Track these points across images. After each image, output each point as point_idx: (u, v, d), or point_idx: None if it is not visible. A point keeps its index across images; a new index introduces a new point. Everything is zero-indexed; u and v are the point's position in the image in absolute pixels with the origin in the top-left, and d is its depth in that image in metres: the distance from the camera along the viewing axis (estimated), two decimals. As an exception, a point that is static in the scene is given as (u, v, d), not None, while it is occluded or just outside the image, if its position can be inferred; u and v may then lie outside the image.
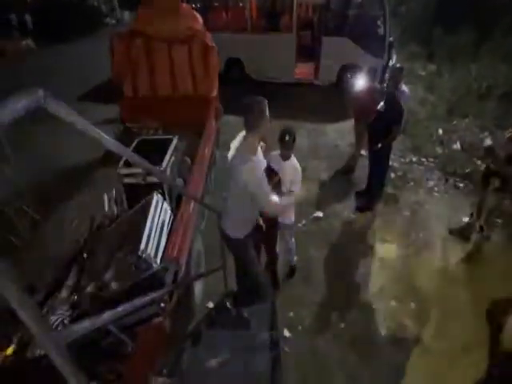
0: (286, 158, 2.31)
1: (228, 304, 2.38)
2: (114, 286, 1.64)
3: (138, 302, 1.15)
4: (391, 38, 6.17)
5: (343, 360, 2.37)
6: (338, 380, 2.27)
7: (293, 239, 2.83)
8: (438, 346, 2.46)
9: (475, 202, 3.31)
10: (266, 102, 1.72)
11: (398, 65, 3.95)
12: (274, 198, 1.81)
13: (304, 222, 3.56)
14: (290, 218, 2.62)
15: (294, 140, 2.22)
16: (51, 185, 3.40)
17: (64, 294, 1.77)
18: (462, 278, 2.97)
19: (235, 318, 2.25)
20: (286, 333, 2.53)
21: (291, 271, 2.99)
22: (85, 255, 1.93)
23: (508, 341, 2.45)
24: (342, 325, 2.60)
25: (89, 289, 1.67)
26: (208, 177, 3.13)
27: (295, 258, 2.97)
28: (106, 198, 2.22)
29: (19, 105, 0.54)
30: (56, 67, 8.21)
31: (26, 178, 3.26)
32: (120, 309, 0.99)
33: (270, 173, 2.12)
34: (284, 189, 2.26)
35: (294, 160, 2.35)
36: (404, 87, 3.61)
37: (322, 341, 2.49)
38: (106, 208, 2.20)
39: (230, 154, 1.98)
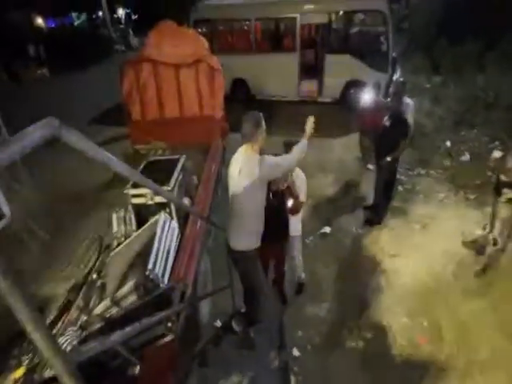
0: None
1: (235, 324, 2.36)
2: (122, 306, 1.66)
3: (146, 322, 1.17)
4: (394, 54, 6.29)
5: (354, 380, 2.29)
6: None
7: (300, 256, 2.82)
8: (452, 364, 2.34)
9: (488, 214, 3.23)
10: (262, 114, 1.88)
11: (400, 79, 4.00)
12: (288, 156, 1.98)
13: (311, 237, 3.54)
14: (298, 230, 2.65)
15: None
16: (62, 206, 3.50)
17: (74, 314, 1.80)
18: (477, 294, 2.85)
19: (242, 338, 2.23)
20: (296, 352, 2.47)
21: (299, 288, 2.95)
22: (94, 276, 1.98)
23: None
24: (353, 343, 2.52)
25: (98, 310, 1.70)
26: (215, 194, 3.20)
27: (303, 275, 2.94)
28: (114, 218, 2.30)
29: (36, 135, 0.57)
30: (68, 93, 8.77)
31: (39, 200, 3.40)
32: (128, 329, 1.01)
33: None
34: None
35: (298, 170, 2.47)
36: (408, 100, 3.65)
37: (332, 360, 2.42)
38: (115, 228, 2.26)
39: (233, 167, 2.00)
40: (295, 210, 2.45)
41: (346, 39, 6.87)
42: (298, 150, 1.98)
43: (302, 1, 6.58)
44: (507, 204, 2.93)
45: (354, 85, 6.26)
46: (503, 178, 2.95)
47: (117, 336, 0.93)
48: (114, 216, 2.31)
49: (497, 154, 2.89)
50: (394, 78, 6.36)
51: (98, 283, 1.94)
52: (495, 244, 3.05)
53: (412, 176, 4.50)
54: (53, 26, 19.12)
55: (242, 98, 7.11)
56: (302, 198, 2.44)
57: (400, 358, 2.41)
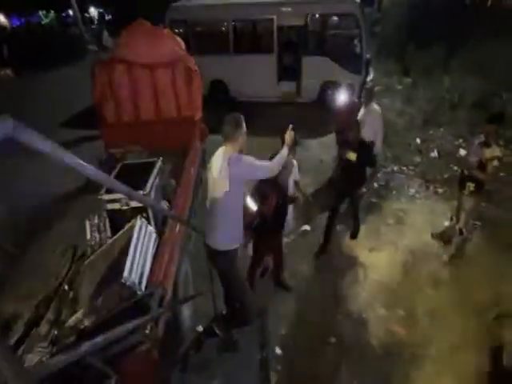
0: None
1: (216, 327, 2.34)
2: (97, 317, 1.60)
3: (119, 331, 1.12)
4: (368, 56, 6.54)
5: (336, 375, 2.36)
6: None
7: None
8: (426, 351, 2.49)
9: (454, 206, 3.45)
10: (242, 116, 1.92)
11: (368, 84, 4.02)
12: (267, 163, 2.01)
13: (292, 236, 3.61)
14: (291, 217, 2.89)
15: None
16: (32, 215, 3.32)
17: (44, 329, 1.70)
18: (446, 281, 3.05)
19: (224, 341, 2.23)
20: (278, 350, 2.51)
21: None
22: (66, 287, 1.89)
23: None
24: (333, 338, 2.60)
25: (70, 322, 1.62)
26: (194, 197, 3.17)
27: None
28: (88, 225, 2.21)
29: None
30: (36, 95, 8.29)
31: (7, 211, 3.18)
32: (99, 339, 0.97)
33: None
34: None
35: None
36: (375, 106, 3.68)
37: (314, 357, 2.48)
38: (88, 236, 2.18)
39: (212, 166, 2.02)
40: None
41: (322, 41, 7.07)
42: (277, 161, 2.01)
43: (278, 3, 6.68)
44: (470, 196, 3.13)
45: (331, 86, 6.45)
46: (466, 172, 3.17)
47: (85, 347, 0.87)
48: (88, 223, 2.22)
49: (462, 151, 3.08)
50: (368, 79, 6.63)
51: (71, 294, 1.86)
52: (461, 234, 3.26)
53: (386, 173, 4.71)
54: (18, 24, 18.11)
55: (220, 100, 7.10)
56: (297, 176, 2.86)
57: (378, 348, 2.52)
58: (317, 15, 6.93)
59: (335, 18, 7.50)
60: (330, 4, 6.60)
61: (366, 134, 3.26)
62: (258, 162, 1.95)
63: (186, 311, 2.41)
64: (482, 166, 2.96)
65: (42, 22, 20.52)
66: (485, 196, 3.32)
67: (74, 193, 2.97)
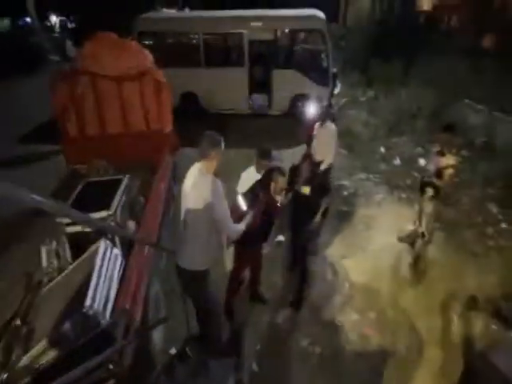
0: (261, 169, 2.67)
1: (189, 350, 2.26)
2: (54, 353, 1.46)
3: (79, 370, 1.05)
4: (335, 69, 6.90)
5: (313, 381, 2.37)
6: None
7: None
8: (396, 350, 2.59)
9: (417, 211, 3.69)
10: (221, 137, 1.94)
11: (325, 104, 3.92)
12: (235, 225, 1.98)
13: (268, 247, 3.61)
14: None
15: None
16: None
17: None
18: (412, 282, 3.23)
19: (198, 364, 2.15)
20: (255, 367, 2.46)
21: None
22: (18, 322, 1.70)
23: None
24: (309, 348, 2.61)
25: (23, 362, 1.46)
26: (165, 214, 3.07)
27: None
28: (44, 251, 2.03)
29: None
30: None
31: None
32: (58, 381, 0.90)
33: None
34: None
35: None
36: (330, 124, 3.70)
37: (292, 369, 2.46)
38: (44, 263, 2.00)
39: (186, 182, 2.00)
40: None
41: (291, 56, 7.35)
42: (236, 229, 2.02)
43: (248, 18, 6.88)
44: (430, 201, 3.37)
45: (301, 98, 6.68)
46: (426, 179, 3.42)
47: None
48: (44, 249, 2.04)
49: (422, 161, 3.33)
50: (335, 91, 6.97)
51: (24, 330, 1.66)
52: (423, 237, 3.48)
53: (354, 181, 4.93)
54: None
55: (192, 112, 7.07)
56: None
57: (352, 352, 2.58)
58: (286, 30, 7.24)
59: (303, 34, 7.89)
60: (297, 20, 6.94)
61: (320, 149, 3.29)
62: (225, 213, 1.92)
63: (157, 334, 2.28)
64: (439, 173, 3.21)
65: (-4, 30, 19.18)
66: (442, 200, 3.58)
67: (28, 213, 2.66)
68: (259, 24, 6.76)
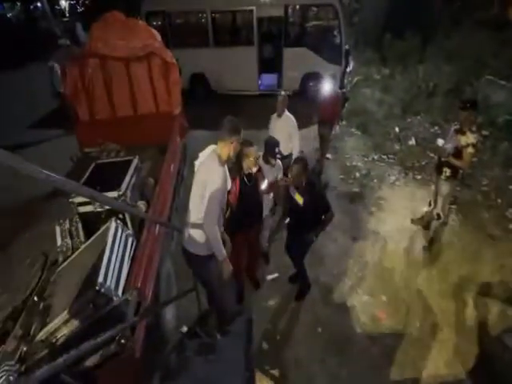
0: (267, 162, 2.71)
1: (199, 328, 2.31)
2: (69, 329, 1.52)
3: (92, 343, 1.08)
4: (347, 46, 6.58)
5: (323, 365, 2.39)
6: (319, 382, 2.29)
7: (267, 231, 3.09)
8: (409, 332, 2.58)
9: (432, 192, 3.58)
10: (239, 122, 1.90)
11: (282, 93, 3.37)
12: (217, 229, 1.85)
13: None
14: (268, 209, 2.85)
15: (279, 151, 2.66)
16: None
17: (10, 346, 1.60)
18: (426, 264, 3.17)
19: (208, 343, 2.18)
20: (265, 345, 2.53)
21: (266, 258, 3.23)
22: (35, 298, 1.79)
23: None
24: (319, 328, 2.64)
25: (40, 336, 1.53)
26: (175, 195, 3.09)
27: (266, 245, 3.21)
28: (58, 230, 2.09)
29: None
30: (4, 94, 7.81)
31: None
32: (71, 354, 0.93)
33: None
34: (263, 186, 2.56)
35: (278, 162, 2.76)
36: (288, 113, 3.37)
37: (301, 349, 2.50)
38: (59, 242, 2.05)
39: (198, 161, 2.00)
40: (270, 190, 2.64)
41: (302, 33, 7.04)
42: (214, 232, 1.85)
43: None
44: (447, 181, 3.25)
45: (312, 77, 6.46)
46: (443, 158, 3.28)
47: (57, 363, 0.85)
48: (58, 229, 2.10)
49: (440, 141, 3.17)
50: (348, 70, 6.68)
51: (41, 306, 1.75)
52: (439, 218, 3.39)
53: (367, 162, 4.81)
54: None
55: (201, 93, 6.97)
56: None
57: (363, 335, 2.58)
58: (296, 6, 6.90)
59: (314, 9, 7.50)
60: (309, -5, 6.58)
61: (279, 138, 2.91)
62: (214, 209, 1.82)
63: (168, 312, 2.35)
64: (458, 152, 3.06)
65: (8, 15, 19.25)
66: (460, 180, 3.45)
67: (42, 195, 2.75)
68: (269, 0, 6.46)
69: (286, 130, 3.32)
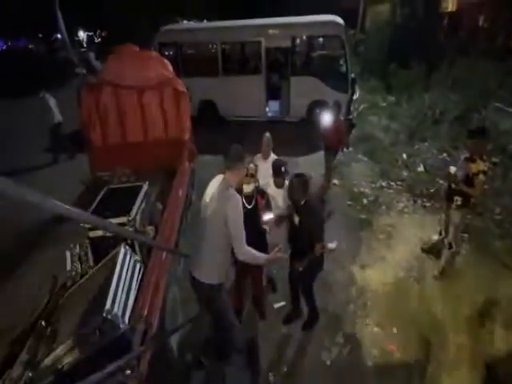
0: (279, 186, 2.68)
1: (204, 358, 2.23)
2: (75, 356, 1.49)
3: (97, 375, 1.05)
4: (353, 75, 6.80)
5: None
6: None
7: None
8: (421, 368, 2.43)
9: (442, 220, 3.49)
10: (243, 150, 1.95)
11: (266, 134, 3.22)
12: (249, 248, 1.89)
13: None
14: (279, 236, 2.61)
15: (286, 170, 2.63)
16: (8, 244, 3.07)
17: (16, 372, 1.56)
18: (437, 295, 3.03)
19: (213, 373, 2.11)
20: (271, 377, 2.40)
21: (272, 285, 3.13)
22: (43, 323, 1.76)
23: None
24: (328, 361, 2.51)
25: (46, 362, 1.51)
26: (183, 219, 3.10)
27: (274, 272, 3.11)
28: (68, 255, 2.11)
29: None
30: (19, 121, 8.17)
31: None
32: None
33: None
34: (276, 211, 2.51)
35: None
36: (273, 155, 3.18)
37: (309, 381, 2.38)
38: (69, 266, 2.07)
39: (207, 192, 2.01)
40: (281, 220, 2.53)
41: (309, 62, 7.33)
42: (251, 253, 1.90)
43: (265, 25, 6.96)
44: (458, 210, 3.17)
45: (319, 104, 6.62)
46: (454, 186, 3.23)
47: None
48: (68, 253, 2.12)
49: (452, 168, 3.14)
50: (354, 97, 6.85)
51: (48, 331, 1.72)
52: (450, 248, 3.27)
53: (374, 188, 4.77)
54: (3, 48, 18.16)
55: (210, 120, 7.19)
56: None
57: (374, 368, 2.45)
58: (303, 37, 7.25)
59: (321, 40, 7.86)
60: (315, 26, 6.91)
61: (267, 181, 2.80)
62: (242, 232, 1.85)
63: (174, 341, 2.29)
64: (468, 180, 3.01)
65: (30, 46, 20.68)
66: (472, 208, 3.37)
67: (54, 219, 2.77)
68: (276, 31, 6.81)
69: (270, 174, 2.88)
